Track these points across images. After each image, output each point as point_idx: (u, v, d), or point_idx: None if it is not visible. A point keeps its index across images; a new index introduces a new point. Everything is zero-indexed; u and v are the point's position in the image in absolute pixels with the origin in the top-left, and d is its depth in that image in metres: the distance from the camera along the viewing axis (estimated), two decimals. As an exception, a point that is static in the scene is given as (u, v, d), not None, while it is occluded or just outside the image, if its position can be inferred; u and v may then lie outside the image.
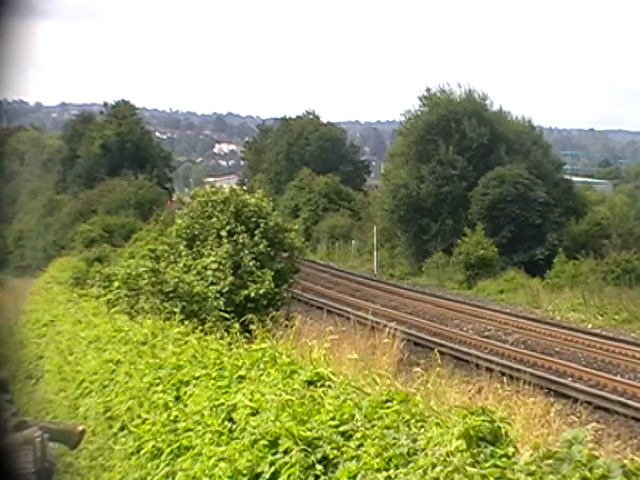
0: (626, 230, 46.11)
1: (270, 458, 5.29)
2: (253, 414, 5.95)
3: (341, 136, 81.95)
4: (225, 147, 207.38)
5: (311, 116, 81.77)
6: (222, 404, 6.49)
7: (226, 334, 9.50)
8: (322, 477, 4.80)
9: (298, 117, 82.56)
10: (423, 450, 4.35)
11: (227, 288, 19.82)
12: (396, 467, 4.36)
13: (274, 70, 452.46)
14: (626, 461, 3.71)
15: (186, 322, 11.08)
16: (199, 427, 6.56)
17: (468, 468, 3.95)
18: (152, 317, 12.26)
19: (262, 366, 6.96)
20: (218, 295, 18.96)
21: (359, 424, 4.96)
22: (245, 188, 25.83)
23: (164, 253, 21.44)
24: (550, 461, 3.80)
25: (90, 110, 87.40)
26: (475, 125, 48.88)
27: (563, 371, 21.86)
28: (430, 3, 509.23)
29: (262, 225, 21.65)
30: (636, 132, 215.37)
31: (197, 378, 7.43)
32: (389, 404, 5.13)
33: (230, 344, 8.52)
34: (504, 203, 46.70)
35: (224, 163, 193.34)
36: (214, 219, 21.69)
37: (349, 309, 31.70)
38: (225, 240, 20.89)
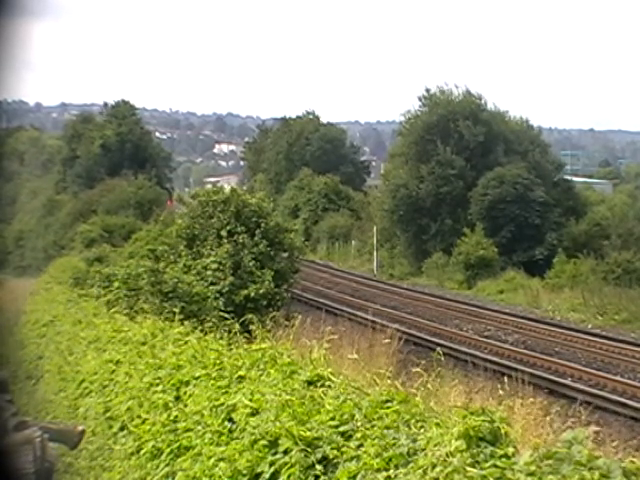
0: (626, 230, 46.10)
1: (270, 458, 5.28)
2: (253, 414, 5.94)
3: (341, 136, 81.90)
4: (225, 147, 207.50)
5: (311, 116, 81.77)
6: (222, 404, 6.48)
7: (226, 334, 9.49)
8: (322, 477, 4.79)
9: (298, 117, 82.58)
10: (423, 450, 4.34)
11: (227, 288, 19.84)
12: (396, 467, 4.35)
13: (274, 70, 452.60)
14: (626, 461, 3.70)
15: (186, 322, 11.07)
16: (199, 427, 6.55)
17: (468, 468, 3.94)
18: (152, 317, 12.25)
19: (262, 366, 6.95)
20: (218, 295, 18.99)
21: (359, 424, 4.95)
22: (245, 188, 25.87)
23: (164, 253, 21.45)
24: (550, 461, 3.80)
25: (90, 110, 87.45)
26: (471, 125, 48.88)
27: (563, 371, 21.85)
28: (430, 3, 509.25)
29: (262, 225, 21.66)
30: (636, 132, 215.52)
31: (197, 378, 7.42)
32: (389, 404, 5.13)
33: (230, 344, 8.50)
34: (504, 203, 46.72)
35: (224, 163, 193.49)
36: (214, 219, 21.70)
37: (349, 309, 31.70)
38: (225, 240, 20.90)
